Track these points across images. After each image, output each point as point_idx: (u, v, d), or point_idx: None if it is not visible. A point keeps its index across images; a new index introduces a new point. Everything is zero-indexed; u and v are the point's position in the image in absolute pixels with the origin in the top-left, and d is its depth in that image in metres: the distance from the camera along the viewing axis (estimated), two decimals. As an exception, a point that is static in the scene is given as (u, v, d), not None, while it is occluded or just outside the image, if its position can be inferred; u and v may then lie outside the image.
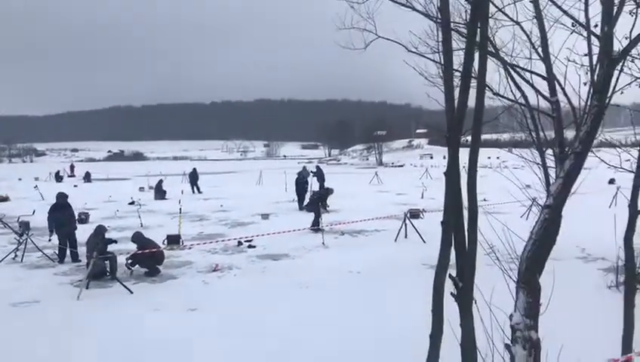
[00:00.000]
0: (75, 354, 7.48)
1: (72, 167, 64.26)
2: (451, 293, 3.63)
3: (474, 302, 3.70)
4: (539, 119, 4.54)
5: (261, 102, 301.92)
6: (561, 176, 3.94)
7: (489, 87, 4.25)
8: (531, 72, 4.49)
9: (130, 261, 12.35)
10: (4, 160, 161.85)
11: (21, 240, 14.15)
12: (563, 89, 4.10)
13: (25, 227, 17.25)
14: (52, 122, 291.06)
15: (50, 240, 14.22)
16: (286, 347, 7.49)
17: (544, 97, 4.54)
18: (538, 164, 4.21)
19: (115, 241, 12.93)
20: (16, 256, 13.92)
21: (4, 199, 31.24)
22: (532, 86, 4.51)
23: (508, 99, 4.48)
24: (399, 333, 7.55)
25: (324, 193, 21.59)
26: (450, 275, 3.71)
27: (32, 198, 29.77)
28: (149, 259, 12.30)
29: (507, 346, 3.98)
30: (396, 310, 8.89)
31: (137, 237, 12.81)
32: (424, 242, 14.99)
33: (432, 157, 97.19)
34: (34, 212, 20.43)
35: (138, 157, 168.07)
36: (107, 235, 13.00)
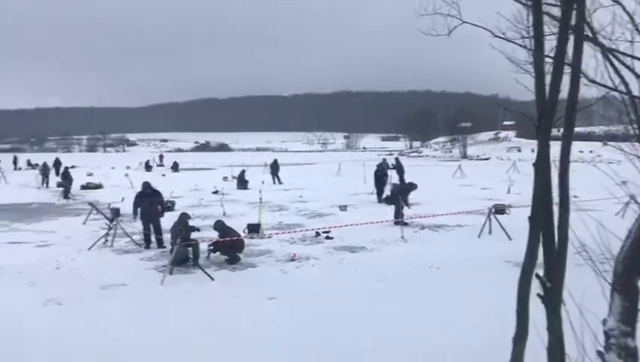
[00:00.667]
0: (155, 336, 7.76)
1: (161, 157, 67.12)
2: (538, 294, 3.36)
3: (562, 304, 3.42)
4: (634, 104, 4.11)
5: (341, 94, 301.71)
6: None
7: (584, 74, 3.88)
8: (633, 57, 4.08)
9: (212, 248, 12.72)
10: (100, 149, 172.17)
11: (111, 226, 14.91)
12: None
13: (115, 213, 18.22)
14: (143, 114, 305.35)
15: (134, 220, 15.02)
16: (359, 341, 7.40)
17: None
18: (638, 157, 3.83)
19: (198, 229, 13.37)
20: (106, 240, 14.70)
21: (98, 186, 33.16)
22: (633, 72, 4.09)
23: (605, 86, 4.09)
24: (482, 334, 7.24)
25: (406, 186, 21.19)
26: (537, 274, 3.43)
27: (123, 186, 31.37)
28: (230, 247, 12.60)
29: (600, 353, 3.68)
30: (478, 309, 8.53)
31: (219, 226, 13.17)
32: (510, 239, 14.38)
33: (519, 151, 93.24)
34: (123, 199, 21.51)
35: (223, 148, 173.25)
36: (191, 223, 13.46)
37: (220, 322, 8.35)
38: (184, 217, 13.00)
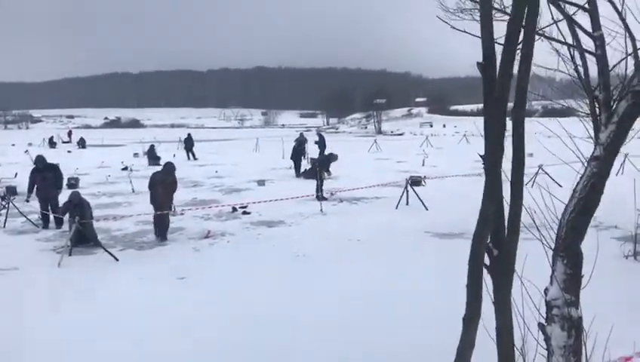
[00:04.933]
0: (44, 324, 6.85)
1: (69, 133, 63.08)
2: (484, 264, 2.92)
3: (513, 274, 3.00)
4: (582, 56, 3.77)
5: (259, 70, 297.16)
6: (614, 122, 3.23)
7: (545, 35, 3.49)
8: (567, 2, 3.71)
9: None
10: (0, 126, 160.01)
11: (4, 205, 13.46)
12: (620, 15, 3.34)
13: (10, 192, 16.60)
14: (48, 88, 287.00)
15: (27, 200, 13.66)
16: (277, 318, 6.87)
17: (585, 32, 3.78)
18: (582, 113, 3.53)
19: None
20: (-2, 221, 13.29)
21: (-6, 164, 30.45)
22: (570, 19, 3.73)
23: (558, 41, 3.71)
24: (410, 309, 6.94)
25: (326, 157, 20.72)
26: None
27: (24, 164, 28.89)
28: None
29: (541, 326, 3.33)
30: (403, 282, 8.23)
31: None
32: (426, 209, 14.36)
33: (431, 126, 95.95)
34: (16, 175, 19.76)
35: (135, 124, 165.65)
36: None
37: (121, 305, 7.54)
38: (73, 196, 11.74)
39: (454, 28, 3.48)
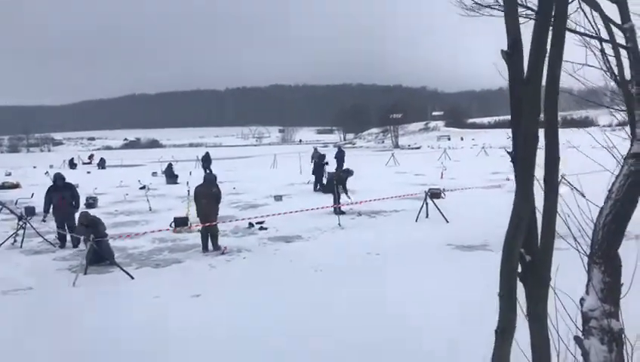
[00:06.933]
0: (53, 343, 6.67)
1: (91, 157, 63.66)
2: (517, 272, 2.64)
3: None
4: (615, 48, 3.52)
5: (275, 88, 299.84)
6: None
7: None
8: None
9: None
10: (23, 149, 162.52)
11: (21, 225, 13.43)
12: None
13: (28, 212, 16.63)
14: (69, 111, 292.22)
15: (44, 220, 13.59)
16: (296, 336, 6.61)
17: (615, 24, 3.53)
18: (615, 109, 3.30)
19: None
20: (15, 241, 13.24)
21: (15, 186, 30.77)
22: (599, 11, 3.49)
23: (589, 35, 3.47)
24: (436, 323, 6.63)
25: (343, 173, 20.51)
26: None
27: (43, 185, 29.14)
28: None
29: (578, 340, 3.04)
30: (426, 295, 7.91)
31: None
32: (447, 222, 14.04)
33: (449, 139, 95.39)
34: (32, 195, 19.85)
35: (154, 144, 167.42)
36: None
37: (136, 324, 7.34)
38: (82, 217, 11.70)
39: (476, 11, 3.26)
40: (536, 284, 2.54)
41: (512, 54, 2.44)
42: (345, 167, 23.80)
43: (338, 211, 16.13)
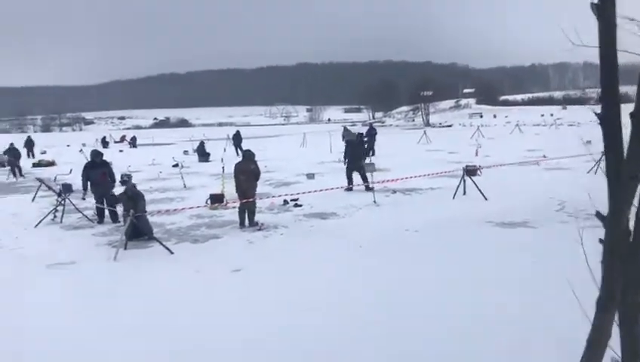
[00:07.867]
0: (103, 317, 6.76)
1: (123, 137, 64.32)
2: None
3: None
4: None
5: (302, 66, 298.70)
6: None
7: None
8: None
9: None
10: (55, 129, 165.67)
11: (60, 201, 13.64)
12: None
13: (66, 189, 16.89)
14: (100, 91, 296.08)
15: (84, 198, 13.77)
16: (335, 309, 6.56)
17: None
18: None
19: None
20: (55, 217, 13.46)
21: (51, 164, 31.42)
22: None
23: None
24: (477, 293, 6.50)
25: (357, 147, 19.97)
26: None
27: (78, 163, 29.66)
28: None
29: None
30: (481, 274, 7.73)
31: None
32: (485, 199, 13.77)
33: (481, 116, 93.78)
34: (71, 171, 20.13)
35: (184, 123, 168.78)
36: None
37: (178, 298, 7.38)
38: (129, 187, 11.84)
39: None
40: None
41: (603, 4, 2.23)
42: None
43: (367, 188, 15.97)
